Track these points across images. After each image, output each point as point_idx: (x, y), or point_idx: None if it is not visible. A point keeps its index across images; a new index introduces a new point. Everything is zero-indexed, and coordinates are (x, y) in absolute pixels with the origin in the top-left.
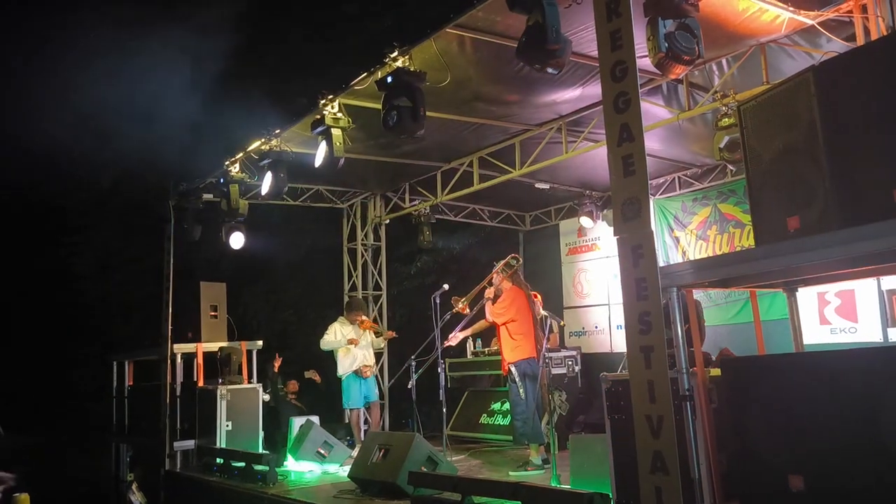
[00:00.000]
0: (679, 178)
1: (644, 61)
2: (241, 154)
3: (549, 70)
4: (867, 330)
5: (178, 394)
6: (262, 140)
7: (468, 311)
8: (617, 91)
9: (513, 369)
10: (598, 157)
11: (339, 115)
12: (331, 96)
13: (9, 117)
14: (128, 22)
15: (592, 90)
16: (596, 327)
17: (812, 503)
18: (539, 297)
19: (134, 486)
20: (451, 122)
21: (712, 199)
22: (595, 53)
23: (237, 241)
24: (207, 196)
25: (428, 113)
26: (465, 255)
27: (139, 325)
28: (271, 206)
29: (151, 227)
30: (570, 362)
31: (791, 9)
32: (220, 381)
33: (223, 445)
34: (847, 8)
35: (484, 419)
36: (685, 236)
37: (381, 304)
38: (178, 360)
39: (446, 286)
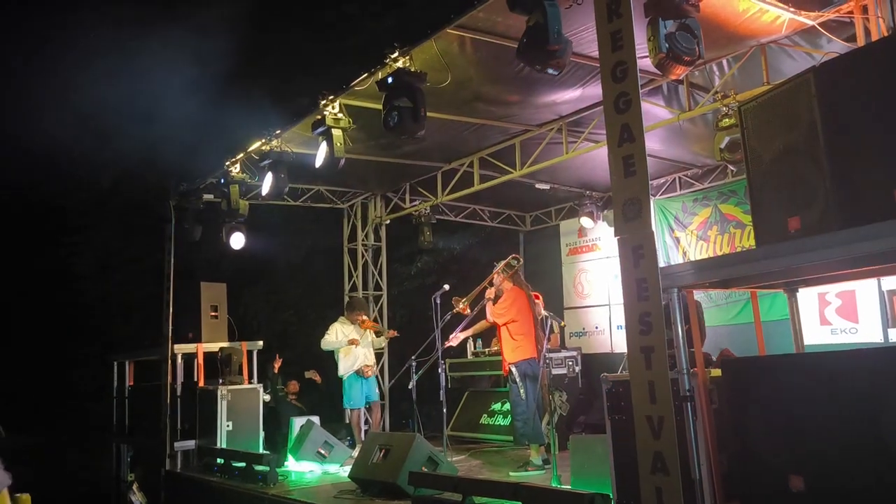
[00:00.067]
0: (680, 178)
1: (644, 62)
2: (241, 154)
3: (550, 71)
4: (868, 330)
5: (178, 394)
6: (263, 140)
7: (469, 311)
8: (617, 91)
9: (513, 370)
10: (599, 158)
11: (340, 115)
12: (331, 97)
13: (9, 117)
14: (128, 22)
15: (593, 90)
16: (596, 328)
17: (813, 503)
18: (540, 298)
19: (134, 487)
20: (451, 123)
21: (713, 199)
22: (595, 54)
23: (238, 241)
24: (208, 196)
25: (428, 113)
26: (466, 256)
27: (139, 325)
28: (272, 207)
29: (151, 227)
30: (570, 363)
31: (791, 9)
32: (220, 381)
33: (224, 446)
34: (847, 9)
35: (484, 419)
36: (686, 237)
37: (382, 304)
38: (179, 360)
39: (447, 286)
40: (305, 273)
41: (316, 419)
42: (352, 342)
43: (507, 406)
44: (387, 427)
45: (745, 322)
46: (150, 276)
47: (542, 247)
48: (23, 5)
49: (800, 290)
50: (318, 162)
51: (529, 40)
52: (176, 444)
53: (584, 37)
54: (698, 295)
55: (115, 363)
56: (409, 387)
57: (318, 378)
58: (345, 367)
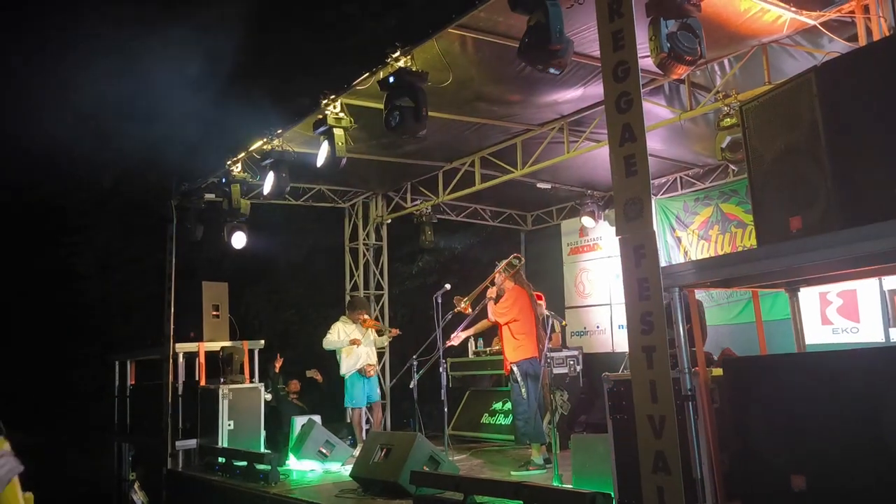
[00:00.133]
0: (681, 178)
1: (646, 61)
2: (243, 154)
3: (552, 70)
4: (869, 330)
5: (180, 393)
6: (265, 140)
7: (470, 310)
8: (619, 91)
9: (515, 369)
10: (600, 157)
11: (342, 114)
12: (333, 96)
13: (9, 117)
14: (129, 22)
15: (594, 90)
16: (598, 327)
17: (814, 503)
18: (543, 298)
19: (136, 486)
20: (452, 122)
21: (714, 199)
22: (597, 53)
23: (239, 240)
24: (209, 196)
25: (430, 113)
26: (467, 255)
27: (140, 325)
28: (273, 206)
29: (152, 226)
30: (571, 362)
31: (793, 9)
32: (221, 380)
33: (225, 445)
34: (849, 8)
35: (485, 419)
36: (687, 236)
37: (383, 303)
38: (180, 359)
39: (448, 286)
40: (307, 272)
41: (317, 418)
42: (353, 342)
43: (509, 405)
44: (388, 426)
45: (747, 321)
46: (151, 275)
47: (543, 246)
48: (23, 5)
49: (801, 289)
50: (320, 161)
51: (531, 40)
52: (177, 444)
53: (585, 36)
54: (700, 294)
55: (117, 362)
56: (411, 386)
57: (319, 377)
58: (347, 367)
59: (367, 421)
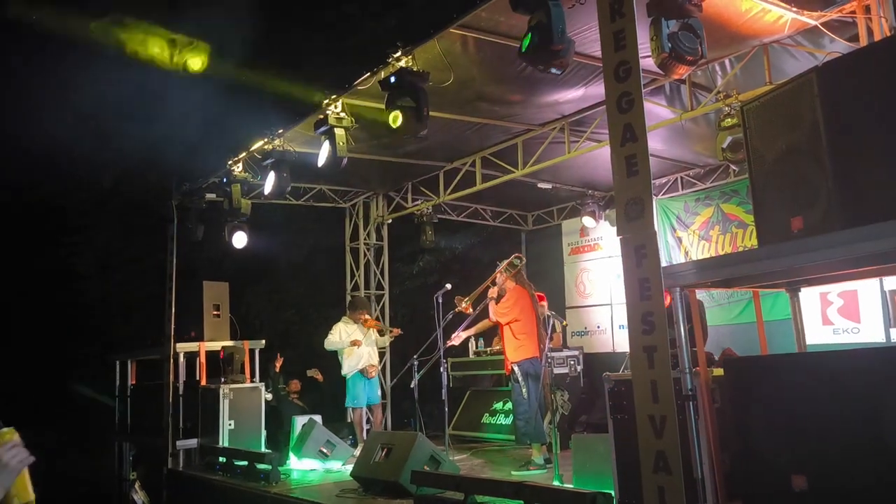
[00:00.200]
0: (682, 178)
1: (647, 61)
2: (244, 154)
3: (553, 70)
4: (870, 330)
5: (180, 393)
6: (265, 140)
7: (471, 310)
8: (620, 91)
9: (516, 369)
10: (601, 157)
11: (343, 114)
12: (334, 96)
13: (9, 117)
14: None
15: (595, 90)
16: (598, 327)
17: (815, 503)
18: (545, 298)
19: (137, 485)
20: (453, 122)
21: (715, 199)
22: (598, 53)
23: (240, 240)
24: (210, 195)
25: (431, 113)
26: (468, 255)
27: (140, 325)
28: (274, 206)
29: (152, 226)
30: (572, 362)
31: (794, 9)
32: (222, 380)
33: (226, 444)
34: (850, 8)
35: (486, 419)
36: (688, 236)
37: (384, 303)
38: (181, 359)
39: (449, 286)
40: (307, 272)
41: (318, 418)
42: (354, 343)
43: (509, 405)
44: (389, 426)
45: (748, 321)
46: (151, 275)
47: (543, 246)
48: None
49: (802, 289)
50: (321, 161)
51: (533, 40)
52: (178, 443)
53: (586, 36)
54: (700, 294)
55: (118, 362)
56: (411, 386)
57: (319, 377)
58: (349, 367)
59: (368, 421)
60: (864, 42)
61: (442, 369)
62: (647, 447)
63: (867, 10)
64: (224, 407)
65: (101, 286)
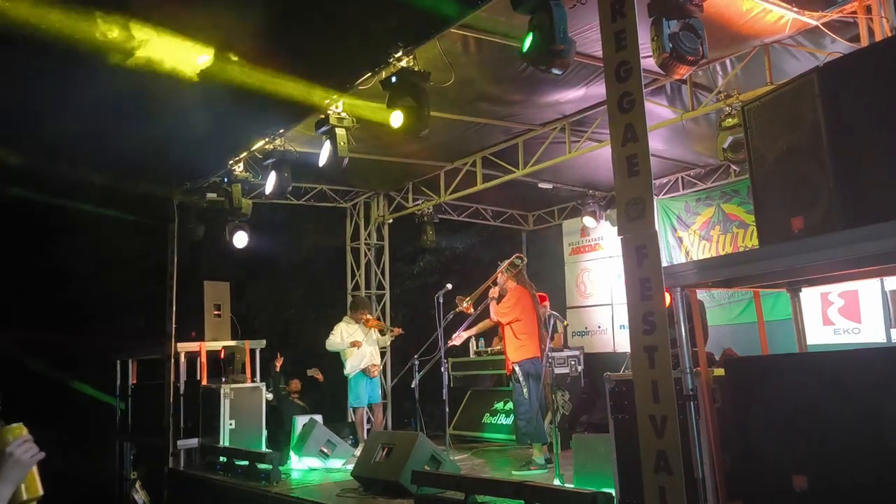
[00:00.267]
0: (682, 178)
1: (648, 61)
2: (245, 153)
3: (554, 70)
4: (870, 330)
5: (181, 392)
6: (267, 139)
7: (472, 310)
8: (621, 91)
9: (517, 369)
10: (602, 157)
11: (344, 114)
12: (335, 96)
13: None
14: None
15: (596, 90)
16: (599, 327)
17: (815, 503)
18: (547, 299)
19: (137, 485)
20: (454, 122)
21: (716, 199)
22: (599, 53)
23: (241, 240)
24: (211, 195)
25: (432, 113)
26: (468, 255)
27: (140, 324)
28: (275, 206)
29: (153, 226)
30: (572, 362)
31: (795, 9)
32: (223, 379)
33: (226, 444)
34: (851, 9)
35: (487, 419)
36: (688, 236)
37: (385, 303)
38: (182, 359)
39: (450, 286)
40: (308, 272)
41: (319, 418)
42: (354, 344)
43: (510, 405)
44: (389, 426)
45: (748, 321)
46: (152, 275)
47: (544, 246)
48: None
49: (803, 289)
50: (322, 161)
51: (534, 40)
52: (179, 443)
53: (587, 36)
54: (701, 294)
55: (119, 362)
56: (412, 386)
57: (319, 376)
58: (352, 366)
59: (368, 421)
60: (865, 42)
61: (443, 369)
62: (648, 447)
63: (868, 10)
64: (225, 406)
65: (101, 286)
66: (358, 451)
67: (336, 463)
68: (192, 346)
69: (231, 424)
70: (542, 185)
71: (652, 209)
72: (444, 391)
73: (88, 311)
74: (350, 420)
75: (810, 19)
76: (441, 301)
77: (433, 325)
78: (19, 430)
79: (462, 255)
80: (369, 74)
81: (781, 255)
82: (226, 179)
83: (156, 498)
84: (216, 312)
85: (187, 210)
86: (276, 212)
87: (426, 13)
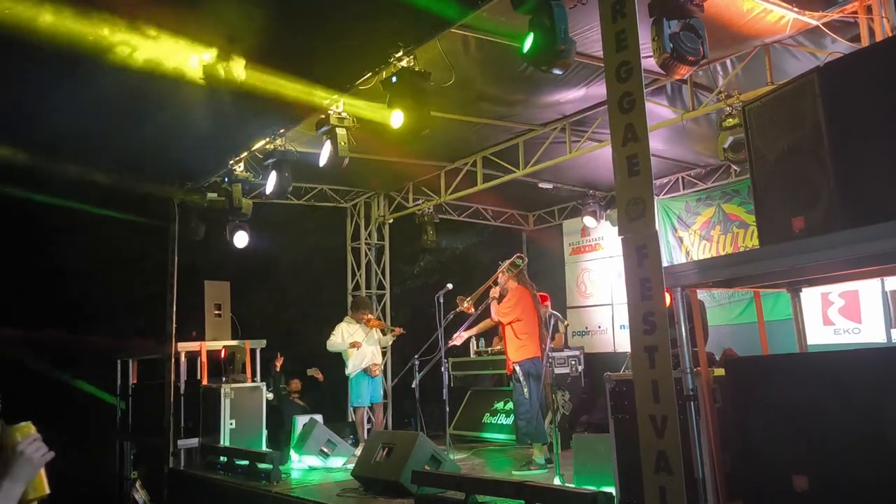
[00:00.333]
0: (683, 178)
1: (648, 61)
2: (245, 153)
3: (555, 71)
4: (871, 330)
5: (182, 392)
6: (267, 139)
7: (473, 310)
8: (622, 91)
9: (517, 369)
10: (602, 157)
11: (344, 114)
12: (335, 96)
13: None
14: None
15: (596, 90)
16: (599, 327)
17: (816, 503)
18: (549, 299)
19: (137, 484)
20: (454, 122)
21: (716, 199)
22: (599, 53)
23: (241, 240)
24: (212, 195)
25: (432, 112)
26: (469, 255)
27: (141, 324)
28: (275, 206)
29: (154, 226)
30: (573, 362)
31: (796, 9)
32: (223, 379)
33: (227, 443)
34: (852, 9)
35: (487, 418)
36: (689, 236)
37: (385, 303)
38: (183, 358)
39: (450, 285)
40: (308, 272)
41: (319, 417)
42: (353, 345)
43: (510, 405)
44: (390, 426)
45: (748, 322)
46: (152, 275)
47: (544, 246)
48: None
49: (803, 289)
50: (322, 161)
51: (535, 40)
52: (179, 442)
53: (588, 36)
54: (701, 294)
55: (119, 361)
56: (413, 385)
57: (320, 376)
58: (353, 366)
59: (369, 420)
60: (865, 42)
61: (443, 369)
62: (649, 447)
63: (869, 10)
64: (225, 406)
65: (101, 286)
66: (358, 451)
67: (336, 462)
68: (192, 345)
69: (231, 424)
70: (542, 185)
71: (652, 209)
72: (445, 391)
73: (89, 311)
74: (350, 420)
75: (811, 19)
76: (441, 301)
77: (434, 325)
78: (28, 429)
79: (462, 255)
80: (370, 74)
81: (782, 255)
82: (226, 179)
83: (156, 497)
84: (216, 312)
85: (188, 210)
86: (276, 212)
87: (427, 13)
